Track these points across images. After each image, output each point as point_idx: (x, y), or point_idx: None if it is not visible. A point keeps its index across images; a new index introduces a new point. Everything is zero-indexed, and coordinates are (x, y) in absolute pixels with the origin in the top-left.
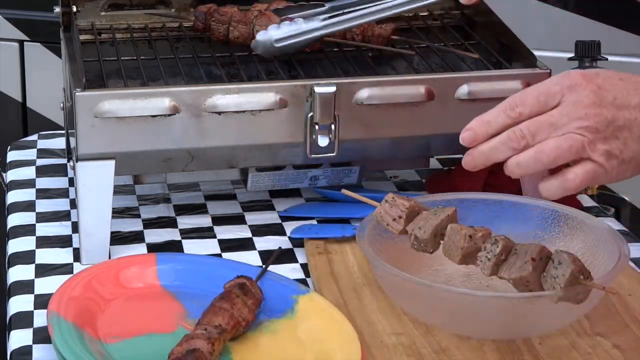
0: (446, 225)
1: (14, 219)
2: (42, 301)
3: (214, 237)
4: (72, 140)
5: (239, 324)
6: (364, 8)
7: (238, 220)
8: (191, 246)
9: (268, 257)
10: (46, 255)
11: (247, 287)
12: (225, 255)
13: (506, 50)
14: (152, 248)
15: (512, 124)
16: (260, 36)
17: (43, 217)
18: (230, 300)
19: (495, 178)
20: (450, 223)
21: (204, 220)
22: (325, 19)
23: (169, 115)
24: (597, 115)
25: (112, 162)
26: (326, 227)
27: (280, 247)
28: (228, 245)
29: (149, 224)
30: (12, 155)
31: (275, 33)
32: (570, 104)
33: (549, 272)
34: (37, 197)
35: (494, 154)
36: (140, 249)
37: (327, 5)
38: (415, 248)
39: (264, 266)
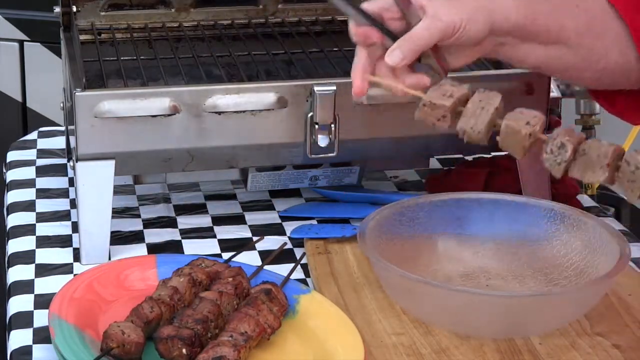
0: (497, 117)
1: (14, 219)
2: (42, 301)
3: (214, 237)
4: (72, 140)
5: (264, 331)
6: None
7: (238, 220)
8: (191, 246)
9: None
10: (46, 255)
11: (273, 294)
12: (225, 255)
13: None
14: (152, 248)
15: None
16: None
17: (43, 217)
18: (256, 306)
19: (495, 178)
20: (500, 114)
21: (204, 220)
22: None
23: (169, 115)
24: None
25: (112, 162)
26: (326, 227)
27: (303, 253)
28: (228, 245)
29: (149, 224)
30: (12, 155)
31: None
32: None
33: (625, 174)
34: (37, 197)
35: None
36: (140, 248)
37: None
38: (466, 141)
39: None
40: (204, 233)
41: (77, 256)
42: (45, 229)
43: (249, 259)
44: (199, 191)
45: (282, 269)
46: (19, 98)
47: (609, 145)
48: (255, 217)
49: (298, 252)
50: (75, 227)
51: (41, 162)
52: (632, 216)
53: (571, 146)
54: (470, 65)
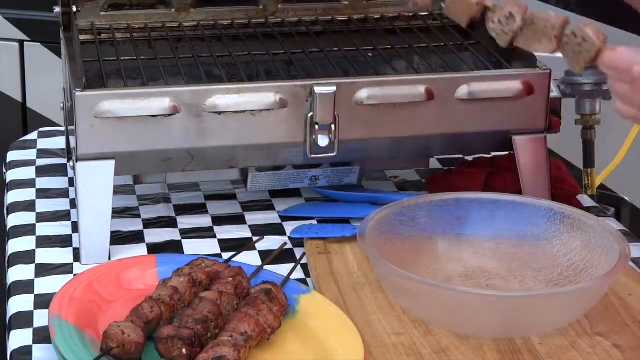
0: None
1: (14, 219)
2: (42, 301)
3: (214, 237)
4: (72, 140)
5: (264, 331)
6: None
7: (238, 220)
8: (191, 246)
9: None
10: (46, 255)
11: (273, 294)
12: (225, 255)
13: (506, 50)
14: (152, 248)
15: None
16: None
17: (43, 217)
18: (256, 306)
19: (495, 178)
20: None
21: (204, 220)
22: None
23: (169, 115)
24: None
25: (112, 162)
26: (326, 227)
27: (303, 253)
28: (228, 245)
29: (149, 224)
30: (12, 155)
31: None
32: None
33: (572, 46)
34: (37, 197)
35: None
36: (140, 248)
37: None
38: (412, 7)
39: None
40: (204, 233)
41: (77, 256)
42: (45, 229)
43: (249, 259)
44: (199, 191)
45: (282, 269)
46: (19, 98)
47: (557, 17)
48: (255, 217)
49: (298, 252)
50: (75, 227)
51: (41, 162)
52: (632, 216)
53: (520, 17)
54: (470, 66)
